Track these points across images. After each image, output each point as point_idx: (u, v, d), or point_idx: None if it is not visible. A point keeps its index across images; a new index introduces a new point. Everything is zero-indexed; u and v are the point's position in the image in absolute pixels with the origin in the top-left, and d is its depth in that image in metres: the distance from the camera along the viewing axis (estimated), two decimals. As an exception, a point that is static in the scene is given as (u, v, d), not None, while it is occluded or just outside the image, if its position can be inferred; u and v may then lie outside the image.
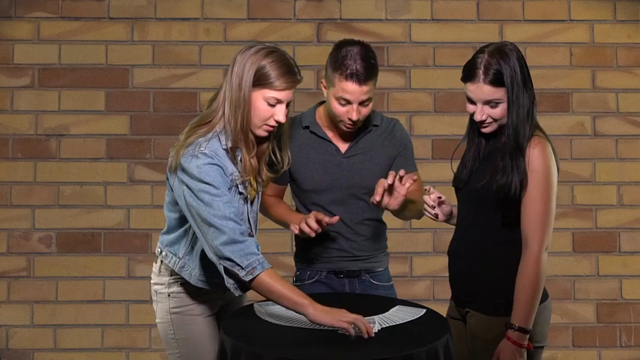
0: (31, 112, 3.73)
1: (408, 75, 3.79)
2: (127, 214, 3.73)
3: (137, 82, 3.75)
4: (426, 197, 2.38)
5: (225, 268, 2.04)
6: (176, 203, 2.20)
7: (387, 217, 2.53)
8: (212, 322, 2.33)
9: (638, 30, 3.82)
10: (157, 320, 2.35)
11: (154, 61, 3.75)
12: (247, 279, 2.02)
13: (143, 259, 3.69)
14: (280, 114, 2.14)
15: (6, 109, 3.72)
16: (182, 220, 2.23)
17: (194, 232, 2.20)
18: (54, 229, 3.71)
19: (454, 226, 2.39)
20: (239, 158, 2.16)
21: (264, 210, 2.54)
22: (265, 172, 2.27)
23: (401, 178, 2.23)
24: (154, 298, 2.35)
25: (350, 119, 2.39)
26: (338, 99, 2.38)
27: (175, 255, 2.26)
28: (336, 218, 2.36)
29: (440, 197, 2.37)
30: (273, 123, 2.16)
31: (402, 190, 2.24)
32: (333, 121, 2.48)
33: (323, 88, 2.47)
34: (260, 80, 2.10)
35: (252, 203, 2.26)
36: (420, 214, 2.53)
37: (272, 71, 2.10)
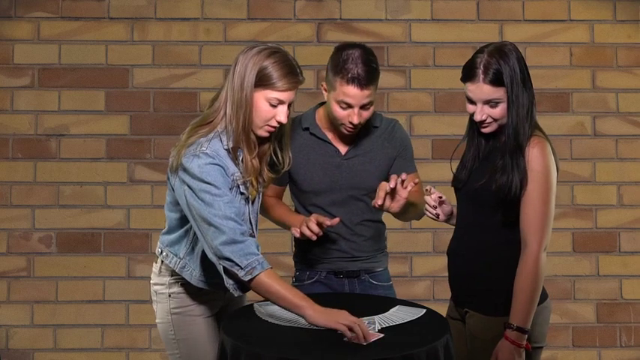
0: (31, 112, 3.73)
1: (408, 75, 3.79)
2: (127, 214, 3.73)
3: (137, 82, 3.75)
4: (426, 197, 2.39)
5: (224, 268, 2.05)
6: (177, 203, 2.20)
7: (387, 218, 2.53)
8: (212, 322, 2.33)
9: (638, 30, 3.82)
10: (157, 321, 2.35)
11: (154, 61, 3.75)
12: (246, 279, 2.02)
13: (143, 259, 3.69)
14: (282, 115, 2.14)
15: (6, 109, 3.72)
16: (183, 221, 2.23)
17: (195, 233, 2.20)
18: (54, 229, 3.71)
19: (454, 226, 2.40)
20: (240, 158, 2.16)
21: (264, 211, 2.54)
22: (266, 173, 2.27)
23: (403, 181, 2.23)
24: (153, 298, 2.35)
25: (351, 123, 2.39)
26: (339, 102, 2.37)
27: (176, 255, 2.26)
28: (336, 220, 2.36)
29: (440, 197, 2.37)
30: (274, 124, 2.15)
31: (404, 193, 2.24)
32: (334, 124, 2.47)
33: (324, 91, 2.46)
34: (262, 81, 2.10)
35: (252, 203, 2.26)
36: (420, 216, 2.54)
37: (274, 72, 2.10)
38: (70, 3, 3.74)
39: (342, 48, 2.40)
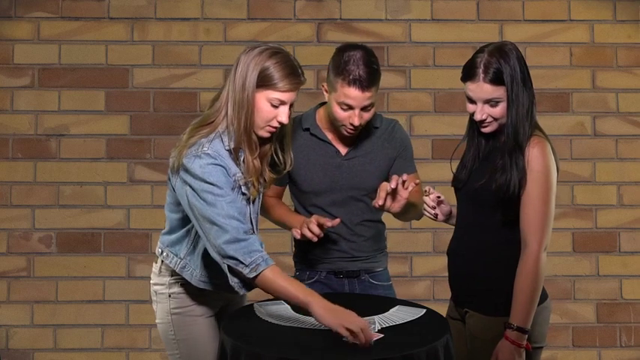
0: (31, 112, 3.73)
1: (408, 75, 3.79)
2: (127, 214, 3.73)
3: (137, 82, 3.75)
4: (425, 198, 2.39)
5: (228, 266, 2.04)
6: (178, 204, 2.19)
7: (387, 218, 2.54)
8: (213, 322, 2.32)
9: (638, 30, 3.82)
10: (157, 321, 2.35)
11: (154, 61, 3.75)
12: (251, 276, 2.01)
13: (143, 259, 3.69)
14: (283, 115, 2.14)
15: (6, 109, 3.72)
16: (184, 221, 2.23)
17: (196, 233, 2.20)
18: (54, 229, 3.71)
19: (454, 226, 2.40)
20: (242, 159, 2.16)
21: (264, 211, 2.54)
22: (267, 173, 2.27)
23: (404, 182, 2.23)
24: (153, 298, 2.35)
25: (352, 124, 2.39)
26: (340, 104, 2.37)
27: (177, 255, 2.26)
28: (337, 221, 2.36)
29: (439, 197, 2.37)
30: (276, 124, 2.15)
31: (405, 193, 2.24)
32: (334, 124, 2.47)
33: (324, 92, 2.46)
34: (264, 81, 2.10)
35: (253, 203, 2.26)
36: (419, 216, 2.54)
37: (276, 72, 2.10)
38: (70, 3, 3.74)
39: (343, 49, 2.39)
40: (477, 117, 2.19)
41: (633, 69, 3.80)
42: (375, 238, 2.60)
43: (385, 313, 2.18)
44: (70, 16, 3.74)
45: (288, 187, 2.62)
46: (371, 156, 2.53)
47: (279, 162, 2.30)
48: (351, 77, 2.32)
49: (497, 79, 2.13)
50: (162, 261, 2.31)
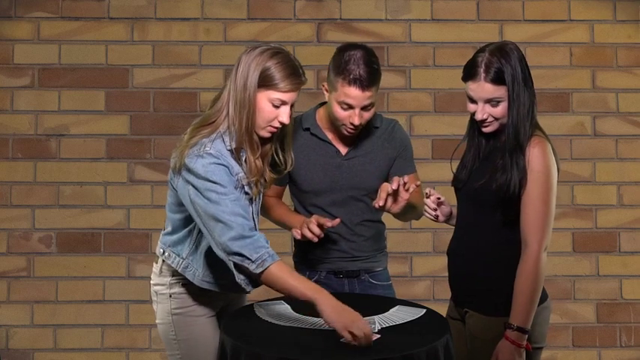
0: (31, 112, 3.73)
1: (408, 75, 3.79)
2: (127, 214, 3.73)
3: (137, 82, 3.75)
4: (426, 200, 2.39)
5: (234, 264, 2.03)
6: (179, 204, 2.19)
7: (387, 218, 2.54)
8: (213, 322, 2.32)
9: (638, 30, 3.82)
10: (157, 321, 2.34)
11: (154, 61, 3.75)
12: (257, 272, 2.00)
13: (143, 259, 3.69)
14: (284, 115, 2.14)
15: (6, 109, 3.72)
16: (186, 221, 2.22)
17: (198, 233, 2.20)
18: (54, 229, 3.71)
19: (454, 227, 2.40)
20: (244, 159, 2.16)
21: (264, 211, 2.54)
22: (268, 173, 2.27)
23: (404, 183, 2.23)
24: (154, 298, 2.35)
25: (352, 123, 2.39)
26: (340, 103, 2.37)
27: (179, 255, 2.26)
28: (337, 221, 2.36)
29: (439, 198, 2.37)
30: (277, 124, 2.15)
31: (406, 195, 2.25)
32: (334, 124, 2.47)
33: (325, 92, 2.47)
34: (265, 81, 2.10)
35: (253, 202, 2.26)
36: (419, 216, 2.54)
37: (277, 73, 2.10)
38: (70, 3, 3.74)
39: (343, 49, 2.40)
40: (478, 117, 2.19)
41: (633, 69, 3.80)
42: (375, 238, 2.60)
43: (385, 313, 2.18)
44: (70, 16, 3.74)
45: (288, 187, 2.62)
46: (371, 156, 2.53)
47: (280, 162, 2.30)
48: (351, 77, 2.32)
49: (498, 79, 2.14)
50: (163, 261, 2.30)
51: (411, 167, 2.57)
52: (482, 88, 2.15)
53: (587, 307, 3.77)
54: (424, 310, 2.22)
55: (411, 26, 3.80)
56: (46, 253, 3.71)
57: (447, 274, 2.37)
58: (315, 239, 2.35)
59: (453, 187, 2.37)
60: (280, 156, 2.29)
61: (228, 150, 2.13)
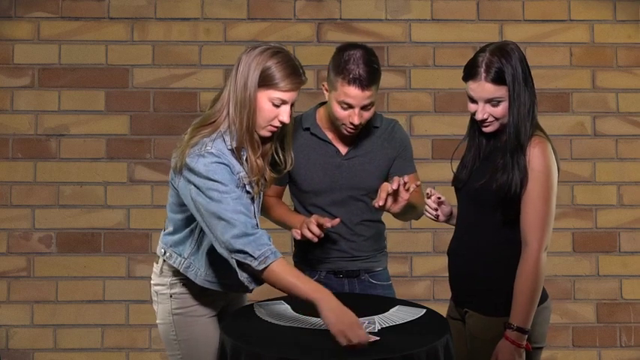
0: (31, 112, 3.73)
1: (408, 75, 3.79)
2: (127, 214, 3.73)
3: (137, 82, 3.75)
4: (427, 200, 2.39)
5: (237, 261, 2.03)
6: (180, 204, 2.19)
7: (387, 218, 2.54)
8: (214, 322, 2.32)
9: (638, 30, 3.82)
10: (158, 321, 2.34)
11: (154, 61, 3.75)
12: (259, 268, 1.99)
13: (143, 259, 3.69)
14: (285, 115, 2.14)
15: (6, 109, 3.72)
16: (188, 221, 2.22)
17: (200, 232, 2.20)
18: (54, 229, 3.71)
19: (454, 226, 2.40)
20: (244, 158, 2.16)
21: (264, 211, 2.53)
22: (268, 173, 2.27)
23: (405, 183, 2.23)
24: (154, 298, 2.35)
25: (352, 123, 2.39)
26: (340, 103, 2.38)
27: (180, 255, 2.26)
28: (336, 221, 2.36)
29: (440, 198, 2.37)
30: (277, 124, 2.16)
31: (406, 195, 2.25)
32: (334, 124, 2.47)
33: (325, 92, 2.47)
34: (265, 81, 2.10)
35: (254, 202, 2.26)
36: (419, 216, 2.54)
37: (277, 72, 2.10)
38: (70, 3, 3.74)
39: (343, 48, 2.40)
40: (479, 116, 2.19)
41: (633, 69, 3.80)
42: (374, 238, 2.60)
43: (385, 313, 2.18)
44: (70, 16, 3.74)
45: (288, 186, 2.62)
46: (371, 156, 2.53)
47: (280, 161, 2.30)
48: (350, 76, 2.32)
49: (498, 79, 2.14)
50: (164, 261, 2.30)
51: (410, 167, 2.57)
52: (482, 87, 2.15)
53: (587, 307, 3.77)
54: (424, 310, 2.22)
55: (411, 26, 3.80)
56: (46, 253, 3.71)
57: (447, 274, 2.37)
58: (315, 239, 2.35)
59: (453, 187, 2.37)
60: (280, 155, 2.29)
61: (229, 149, 2.13)
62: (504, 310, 2.15)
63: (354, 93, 2.33)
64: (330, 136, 2.53)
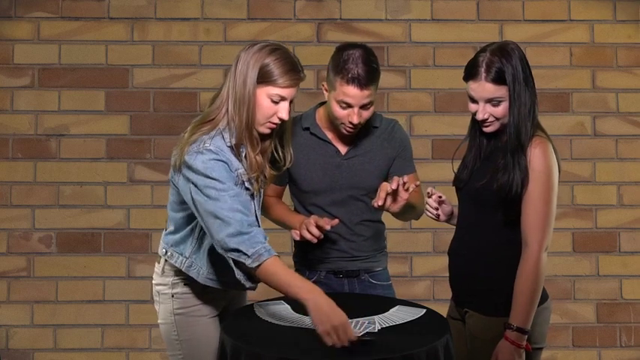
0: (31, 112, 3.73)
1: (408, 75, 3.79)
2: (127, 214, 3.73)
3: (137, 82, 3.75)
4: (428, 199, 2.39)
5: (233, 260, 2.03)
6: (181, 203, 2.19)
7: (387, 218, 2.54)
8: (216, 322, 2.32)
9: (638, 30, 3.82)
10: (159, 321, 2.34)
11: (154, 61, 3.75)
12: (253, 266, 2.00)
13: (143, 259, 3.69)
14: (283, 111, 2.14)
15: (6, 109, 3.72)
16: (188, 219, 2.22)
17: (200, 230, 2.20)
18: (54, 229, 3.71)
19: (454, 226, 2.40)
20: (243, 155, 2.16)
21: (264, 210, 2.53)
22: (268, 170, 2.27)
23: (404, 183, 2.23)
24: (156, 298, 2.35)
25: (351, 122, 2.39)
26: (339, 102, 2.38)
27: (182, 254, 2.26)
28: (336, 221, 2.36)
29: (440, 197, 2.38)
30: (276, 120, 2.16)
31: (405, 195, 2.25)
32: (334, 123, 2.48)
33: (324, 91, 2.47)
34: (264, 77, 2.11)
35: (254, 199, 2.26)
36: (419, 215, 2.54)
37: (276, 69, 2.11)
38: (70, 3, 3.74)
39: (343, 48, 2.40)
40: (479, 116, 2.19)
41: (633, 69, 3.80)
42: (374, 238, 2.60)
43: (385, 313, 2.18)
44: (70, 16, 3.74)
45: (287, 186, 2.62)
46: (370, 155, 2.53)
47: (279, 158, 2.30)
48: (349, 75, 2.32)
49: (499, 79, 2.14)
50: (165, 261, 2.30)
51: (410, 167, 2.57)
52: (483, 87, 2.15)
53: (587, 307, 3.77)
54: (424, 310, 2.22)
55: (411, 26, 3.80)
56: (46, 253, 3.71)
57: (447, 274, 2.37)
58: (314, 240, 2.35)
59: (453, 187, 2.37)
60: (279, 152, 2.30)
61: (228, 146, 2.13)
62: (504, 310, 2.15)
63: (352, 92, 2.33)
64: (329, 135, 2.53)
